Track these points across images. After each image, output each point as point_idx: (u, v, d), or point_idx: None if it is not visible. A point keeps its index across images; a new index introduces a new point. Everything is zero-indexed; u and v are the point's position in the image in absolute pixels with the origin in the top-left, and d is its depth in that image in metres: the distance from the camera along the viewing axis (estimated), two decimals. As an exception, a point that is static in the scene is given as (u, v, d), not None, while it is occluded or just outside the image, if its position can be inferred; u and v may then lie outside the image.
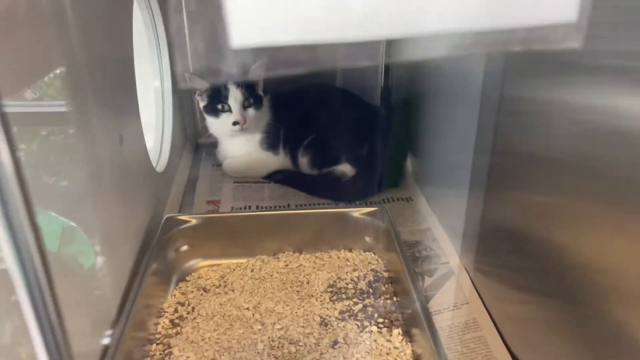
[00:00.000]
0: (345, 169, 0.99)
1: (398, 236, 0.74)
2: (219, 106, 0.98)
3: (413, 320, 0.63)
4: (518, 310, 0.63)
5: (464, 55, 0.73)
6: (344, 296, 0.70)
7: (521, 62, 0.59)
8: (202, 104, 1.01)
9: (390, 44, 1.13)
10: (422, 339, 0.59)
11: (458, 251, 0.81)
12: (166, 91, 1.01)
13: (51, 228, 0.51)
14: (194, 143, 1.21)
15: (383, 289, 0.71)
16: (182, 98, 1.12)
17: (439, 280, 0.76)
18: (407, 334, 0.63)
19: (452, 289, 0.74)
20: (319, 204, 0.97)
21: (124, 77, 0.72)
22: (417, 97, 1.02)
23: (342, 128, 1.02)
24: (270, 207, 0.96)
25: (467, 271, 0.77)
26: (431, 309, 0.70)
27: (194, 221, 0.77)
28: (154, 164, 0.87)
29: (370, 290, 0.71)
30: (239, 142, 1.05)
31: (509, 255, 0.65)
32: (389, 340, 0.62)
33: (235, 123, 0.97)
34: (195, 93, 1.01)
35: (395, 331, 0.63)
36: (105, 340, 0.55)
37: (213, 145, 1.13)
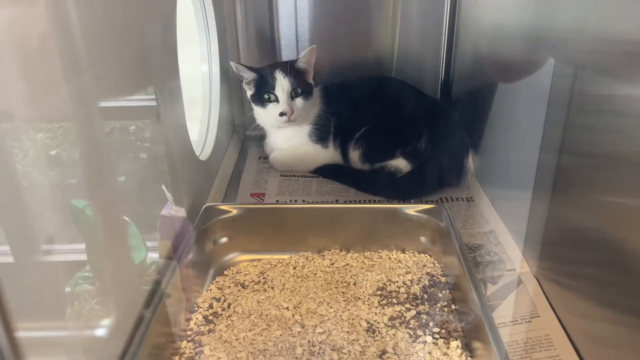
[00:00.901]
0: (400, 164, 0.91)
1: (459, 237, 0.65)
2: (266, 96, 0.93)
3: (475, 332, 0.55)
4: (601, 329, 0.54)
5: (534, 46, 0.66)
6: (394, 301, 0.62)
7: (600, 57, 0.54)
8: (249, 94, 0.97)
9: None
10: (485, 353, 0.51)
11: (526, 258, 0.71)
12: (214, 76, 0.97)
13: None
14: (242, 135, 1.17)
15: (440, 295, 0.63)
16: (231, 89, 1.08)
17: (504, 289, 0.67)
18: (467, 348, 0.55)
19: (519, 300, 0.65)
20: (369, 201, 0.89)
21: (165, 52, 0.67)
22: (479, 90, 0.94)
23: (398, 120, 0.94)
24: (317, 202, 0.89)
25: (537, 280, 0.67)
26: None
27: (234, 211, 0.72)
28: (197, 151, 0.83)
29: (425, 296, 0.63)
30: (286, 133, 0.99)
31: (588, 265, 0.57)
32: (445, 354, 0.54)
33: (282, 114, 0.92)
34: (242, 82, 0.96)
35: (454, 343, 0.55)
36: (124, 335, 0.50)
37: (261, 137, 1.08)
